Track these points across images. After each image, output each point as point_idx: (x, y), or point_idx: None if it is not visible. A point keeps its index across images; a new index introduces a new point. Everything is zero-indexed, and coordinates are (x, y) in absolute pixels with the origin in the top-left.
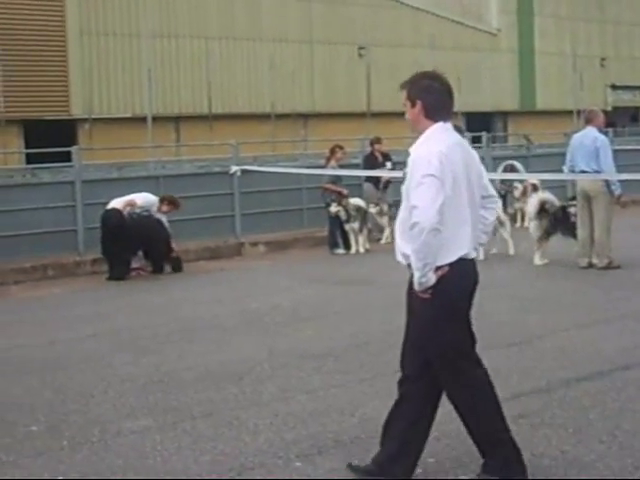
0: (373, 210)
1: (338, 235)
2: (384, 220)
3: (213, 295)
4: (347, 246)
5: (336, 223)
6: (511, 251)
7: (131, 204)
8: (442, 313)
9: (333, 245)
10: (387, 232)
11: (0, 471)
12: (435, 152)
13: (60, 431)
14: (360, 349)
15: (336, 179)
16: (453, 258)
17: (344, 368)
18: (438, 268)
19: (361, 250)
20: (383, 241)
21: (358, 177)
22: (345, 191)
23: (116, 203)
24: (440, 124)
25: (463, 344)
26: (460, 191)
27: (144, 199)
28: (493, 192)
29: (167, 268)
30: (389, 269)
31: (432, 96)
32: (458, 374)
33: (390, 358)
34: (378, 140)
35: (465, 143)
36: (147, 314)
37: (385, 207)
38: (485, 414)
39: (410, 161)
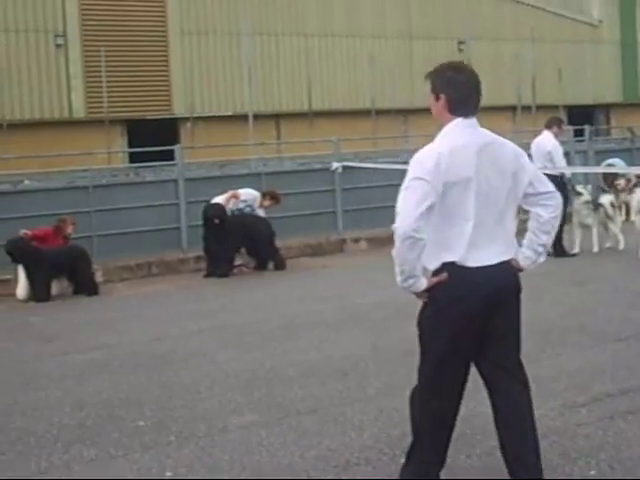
0: None
1: None
2: None
3: (316, 292)
4: None
5: None
6: (621, 246)
7: (235, 196)
8: (428, 325)
9: None
10: None
11: (110, 465)
12: (433, 154)
13: (167, 426)
14: None
15: None
16: (438, 264)
17: None
18: (436, 273)
19: None
20: None
21: None
22: None
23: (220, 199)
24: (459, 120)
25: (439, 379)
26: (465, 195)
27: (246, 194)
28: (549, 188)
29: (270, 265)
30: None
31: (456, 89)
32: (425, 399)
33: None
34: None
35: (494, 139)
36: (250, 311)
37: None
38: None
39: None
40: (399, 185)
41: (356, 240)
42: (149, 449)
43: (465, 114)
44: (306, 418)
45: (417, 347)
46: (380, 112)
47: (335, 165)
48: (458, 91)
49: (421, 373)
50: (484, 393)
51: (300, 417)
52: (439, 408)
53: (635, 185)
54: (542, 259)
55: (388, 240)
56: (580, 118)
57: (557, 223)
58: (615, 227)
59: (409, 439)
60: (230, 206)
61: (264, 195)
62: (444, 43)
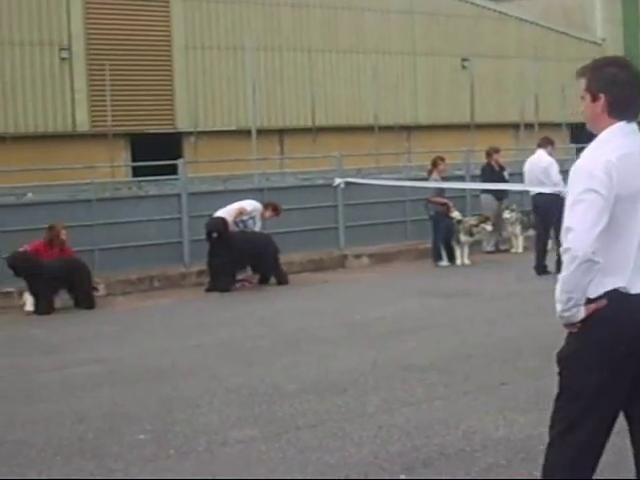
0: (507, 216)
1: (442, 247)
2: (517, 229)
3: (317, 307)
4: (451, 258)
5: (440, 235)
6: None
7: (241, 212)
8: (578, 361)
9: (437, 257)
10: (519, 241)
11: (109, 478)
12: (602, 162)
13: (167, 440)
14: (464, 361)
15: (440, 191)
16: (600, 291)
17: (448, 380)
18: (591, 300)
19: (466, 262)
20: (514, 250)
21: (462, 189)
22: (450, 203)
23: (223, 212)
24: (621, 124)
25: (587, 422)
26: (631, 210)
27: (251, 205)
28: None
29: (272, 280)
30: (493, 282)
31: (620, 89)
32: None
33: (494, 371)
34: (497, 150)
35: None
36: (251, 325)
37: (515, 215)
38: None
39: (571, 172)
40: (401, 201)
41: (358, 256)
42: (149, 463)
43: (628, 118)
44: (306, 433)
45: (417, 364)
46: (383, 128)
47: (338, 181)
48: (622, 91)
49: (564, 415)
50: (483, 410)
51: (300, 432)
52: (581, 455)
53: None
54: None
55: (390, 256)
56: (583, 136)
57: None
58: None
59: (408, 455)
60: (235, 219)
61: (266, 206)
62: (448, 60)
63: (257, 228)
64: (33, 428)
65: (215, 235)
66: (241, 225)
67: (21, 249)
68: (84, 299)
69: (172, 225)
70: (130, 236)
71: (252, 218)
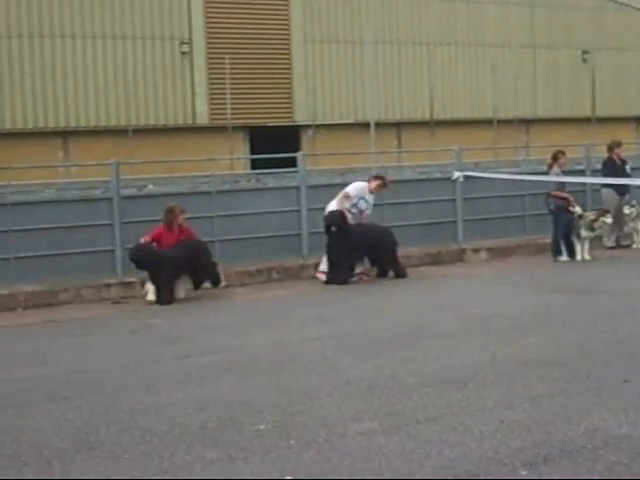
0: (627, 212)
1: (562, 242)
2: (638, 224)
3: (435, 300)
4: (570, 253)
5: (560, 230)
6: None
7: (346, 196)
8: None
9: (557, 252)
10: None
11: (231, 467)
12: None
13: (287, 431)
14: (586, 358)
15: (560, 185)
16: None
17: (569, 377)
18: None
19: (586, 257)
20: (635, 246)
21: (583, 184)
22: (571, 198)
23: (333, 205)
24: None
25: None
26: None
27: (354, 189)
28: None
29: (390, 273)
30: (614, 278)
31: None
32: None
33: (617, 368)
34: (618, 144)
35: None
36: (370, 318)
37: (636, 210)
38: None
39: None
40: (520, 195)
41: (476, 250)
42: (269, 453)
43: None
44: (425, 427)
45: (537, 359)
46: (502, 122)
47: (456, 174)
48: None
49: None
50: (605, 407)
51: (419, 426)
52: None
53: None
54: None
55: (508, 250)
56: None
57: None
58: None
59: (529, 451)
60: (346, 206)
61: (369, 180)
62: (568, 53)
63: (371, 204)
64: (156, 416)
65: (334, 229)
66: (355, 210)
67: (141, 240)
68: (209, 275)
69: (291, 217)
70: (249, 228)
71: (362, 198)
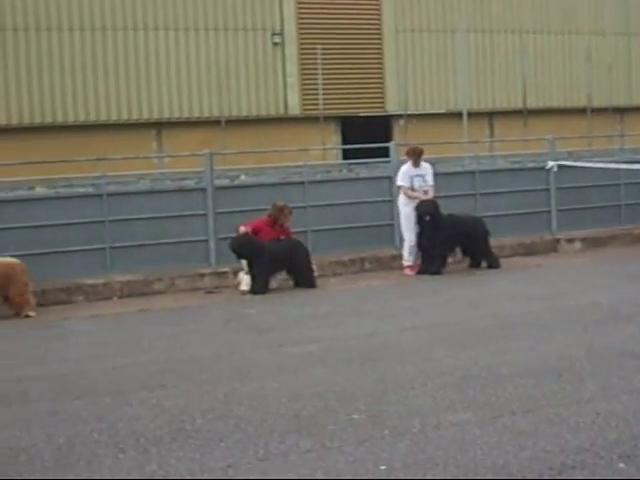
0: None
1: None
2: None
3: (529, 291)
4: None
5: None
6: None
7: (400, 187)
8: None
9: None
10: None
11: (325, 456)
12: None
13: (381, 420)
14: None
15: None
16: None
17: None
18: None
19: None
20: None
21: None
22: None
23: (403, 201)
24: None
25: None
26: None
27: (401, 177)
28: None
29: (483, 263)
30: None
31: None
32: None
33: None
34: None
35: None
36: (463, 308)
37: None
38: None
39: None
40: (615, 185)
41: (570, 240)
42: (364, 442)
43: None
44: (521, 418)
45: (635, 350)
46: (596, 110)
47: (550, 164)
48: None
49: None
50: None
51: (515, 417)
52: None
53: None
54: None
55: (603, 240)
56: None
57: None
58: None
59: (627, 444)
60: (410, 193)
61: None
62: None
63: (425, 176)
64: (250, 405)
65: (428, 218)
66: (418, 188)
67: (241, 229)
68: (305, 279)
69: (383, 207)
70: (341, 218)
71: (415, 177)
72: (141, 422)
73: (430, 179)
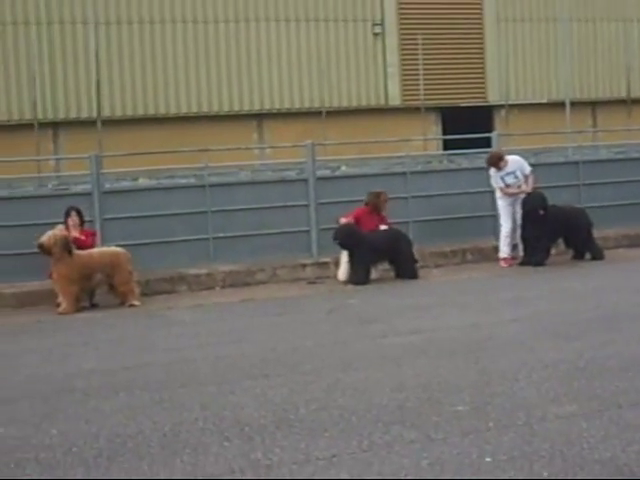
0: None
1: None
2: None
3: (634, 283)
4: None
5: None
6: None
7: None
8: None
9: None
10: None
11: (430, 448)
12: None
13: (486, 412)
14: None
15: None
16: None
17: None
18: None
19: None
20: None
21: None
22: None
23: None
24: None
25: None
26: None
27: (513, 161)
28: None
29: (587, 255)
30: None
31: None
32: None
33: None
34: None
35: None
36: (568, 300)
37: None
38: None
39: None
40: None
41: None
42: (468, 434)
43: None
44: (628, 411)
45: None
46: None
47: None
48: None
49: None
50: None
51: (621, 410)
52: None
53: None
54: None
55: None
56: None
57: None
58: None
59: None
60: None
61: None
62: None
63: (519, 174)
64: (354, 395)
65: (542, 212)
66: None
67: (342, 220)
68: (407, 270)
69: (484, 198)
70: (443, 209)
71: (510, 173)
72: (245, 411)
73: (520, 172)
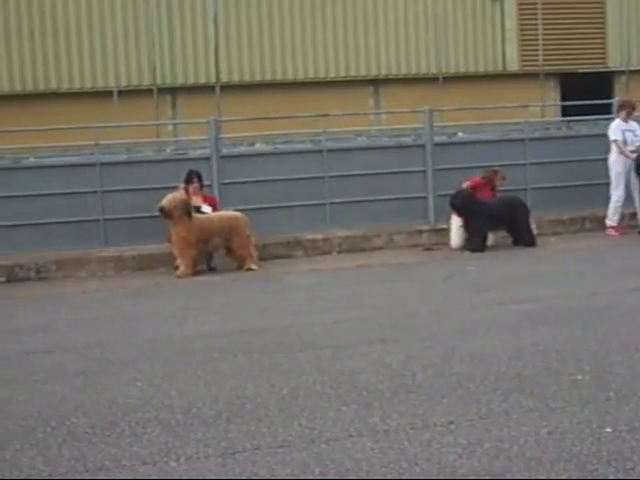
0: None
1: None
2: None
3: None
4: None
5: None
6: None
7: (615, 142)
8: None
9: None
10: None
11: (549, 417)
12: None
13: (606, 382)
14: None
15: None
16: None
17: None
18: None
19: None
20: None
21: None
22: None
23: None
24: None
25: None
26: None
27: (613, 132)
28: None
29: None
30: None
31: None
32: None
33: None
34: None
35: None
36: None
37: None
38: None
39: None
40: None
41: None
42: (588, 404)
43: None
44: None
45: None
46: None
47: None
48: None
49: None
50: None
51: None
52: None
53: None
54: None
55: None
56: None
57: None
58: None
59: None
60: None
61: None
62: None
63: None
64: (471, 362)
65: None
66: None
67: (464, 185)
68: (524, 238)
69: (603, 166)
70: (561, 176)
71: (628, 132)
72: (362, 376)
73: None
